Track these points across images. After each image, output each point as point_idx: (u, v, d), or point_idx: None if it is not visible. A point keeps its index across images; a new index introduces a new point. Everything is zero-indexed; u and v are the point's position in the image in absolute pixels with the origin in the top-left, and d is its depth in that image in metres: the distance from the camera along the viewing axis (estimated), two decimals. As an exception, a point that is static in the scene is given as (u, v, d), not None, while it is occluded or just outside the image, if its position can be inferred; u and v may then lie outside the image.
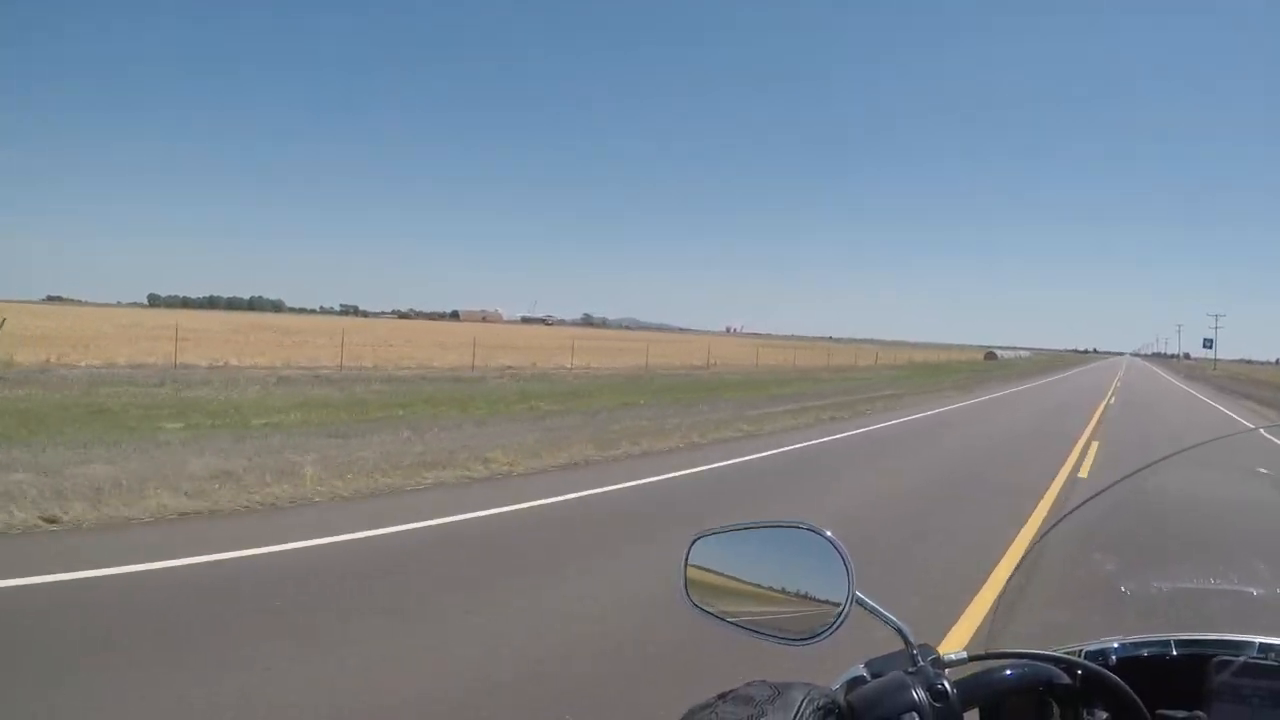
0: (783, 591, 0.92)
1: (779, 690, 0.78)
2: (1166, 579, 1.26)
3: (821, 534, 0.91)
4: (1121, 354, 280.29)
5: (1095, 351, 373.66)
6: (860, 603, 0.87)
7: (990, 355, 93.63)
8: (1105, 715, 0.87)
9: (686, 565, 1.00)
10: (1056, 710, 0.88)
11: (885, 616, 0.86)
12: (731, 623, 0.95)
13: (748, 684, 0.80)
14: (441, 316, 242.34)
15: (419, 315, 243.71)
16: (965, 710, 0.81)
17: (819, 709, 0.76)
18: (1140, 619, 1.14)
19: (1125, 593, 1.21)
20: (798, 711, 0.74)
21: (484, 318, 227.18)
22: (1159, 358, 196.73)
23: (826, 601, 0.88)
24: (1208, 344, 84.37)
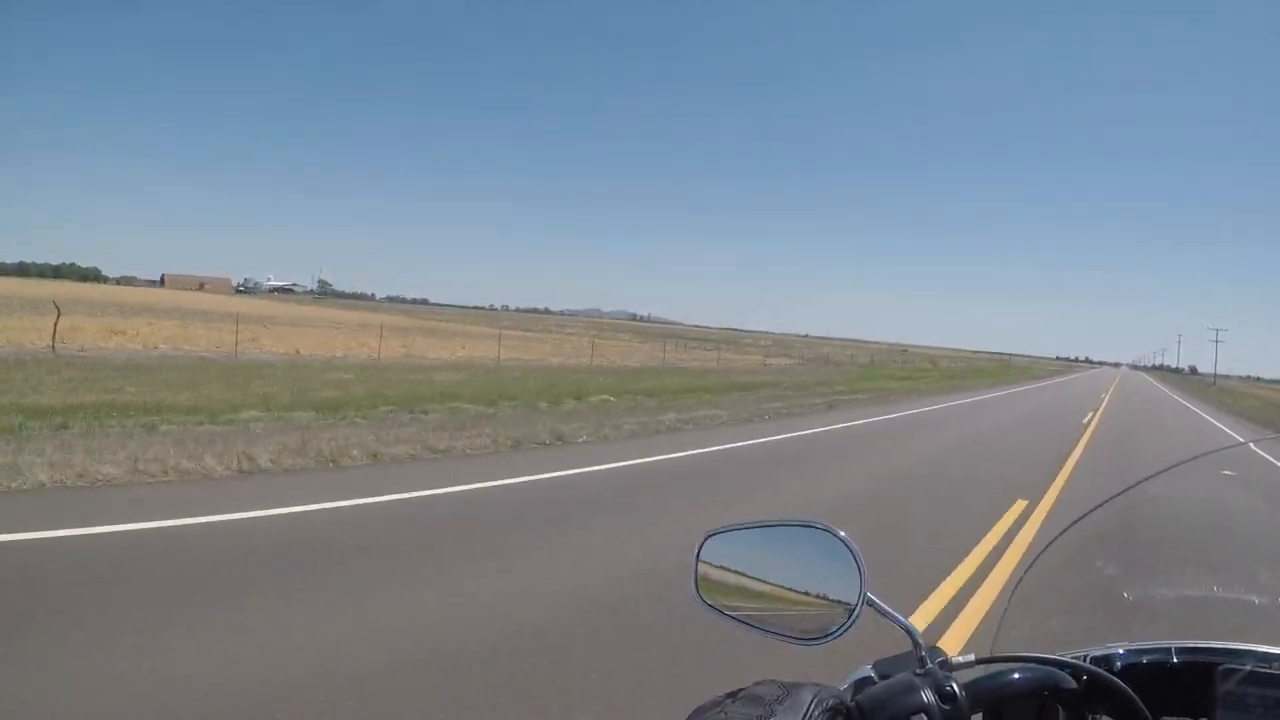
0: (793, 590, 0.92)
1: (788, 690, 0.77)
2: (1169, 586, 1.27)
3: (835, 534, 0.91)
4: (1118, 364, 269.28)
5: (1087, 360, 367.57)
6: (871, 604, 0.87)
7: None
8: None
9: (697, 562, 0.99)
10: (1062, 714, 0.88)
11: (896, 618, 0.86)
12: (742, 621, 0.95)
13: (757, 684, 0.79)
14: (149, 283, 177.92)
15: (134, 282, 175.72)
16: (972, 713, 0.81)
17: (828, 709, 0.76)
18: (1143, 626, 1.14)
19: (1129, 599, 1.21)
20: (807, 712, 0.73)
21: (202, 285, 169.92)
22: (1158, 370, 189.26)
23: (837, 601, 0.88)
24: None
